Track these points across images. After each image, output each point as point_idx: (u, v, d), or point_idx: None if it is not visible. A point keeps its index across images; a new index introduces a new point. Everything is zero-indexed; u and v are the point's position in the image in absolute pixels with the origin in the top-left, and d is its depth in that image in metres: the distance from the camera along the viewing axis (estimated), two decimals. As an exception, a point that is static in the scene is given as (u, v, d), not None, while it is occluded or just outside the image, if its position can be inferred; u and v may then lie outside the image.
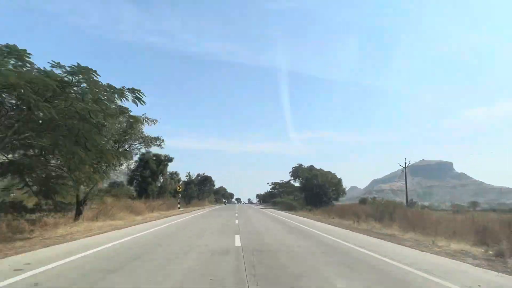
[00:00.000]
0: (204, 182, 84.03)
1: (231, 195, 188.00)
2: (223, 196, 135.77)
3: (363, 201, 49.66)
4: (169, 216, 28.88)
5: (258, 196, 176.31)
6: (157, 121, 26.00)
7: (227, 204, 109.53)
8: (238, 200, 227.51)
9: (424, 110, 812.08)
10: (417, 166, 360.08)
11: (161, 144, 29.85)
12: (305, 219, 28.60)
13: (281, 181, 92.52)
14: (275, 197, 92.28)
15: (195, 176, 77.72)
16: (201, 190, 77.29)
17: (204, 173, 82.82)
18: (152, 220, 23.55)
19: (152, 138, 28.70)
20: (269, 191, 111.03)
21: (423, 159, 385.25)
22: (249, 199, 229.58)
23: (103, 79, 11.04)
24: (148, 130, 44.53)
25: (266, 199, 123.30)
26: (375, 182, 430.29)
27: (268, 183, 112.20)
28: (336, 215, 28.69)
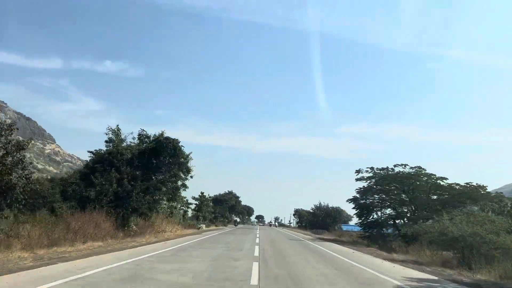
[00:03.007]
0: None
1: (248, 210, 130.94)
2: (234, 211, 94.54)
3: None
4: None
5: (299, 213, 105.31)
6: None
7: (239, 227, 74.67)
8: (260, 218, 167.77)
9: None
10: None
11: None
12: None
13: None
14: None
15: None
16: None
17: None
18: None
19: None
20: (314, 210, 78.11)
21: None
22: (276, 219, 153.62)
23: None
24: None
25: (311, 222, 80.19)
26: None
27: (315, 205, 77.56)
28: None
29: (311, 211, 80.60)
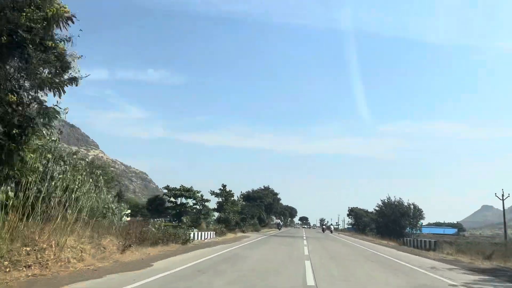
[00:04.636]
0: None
1: (290, 211, 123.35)
2: (272, 211, 79.46)
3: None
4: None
5: (354, 213, 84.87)
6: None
7: (282, 229, 67.19)
8: (304, 220, 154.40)
9: None
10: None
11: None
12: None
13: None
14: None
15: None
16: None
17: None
18: None
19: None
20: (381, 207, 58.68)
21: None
22: (322, 221, 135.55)
23: None
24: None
25: (378, 224, 61.51)
26: None
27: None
28: None
29: (374, 210, 61.12)
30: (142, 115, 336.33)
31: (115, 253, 13.22)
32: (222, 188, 49.83)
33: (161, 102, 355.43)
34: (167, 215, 49.62)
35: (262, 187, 69.92)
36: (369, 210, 79.36)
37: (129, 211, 59.27)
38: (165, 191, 46.71)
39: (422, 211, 52.57)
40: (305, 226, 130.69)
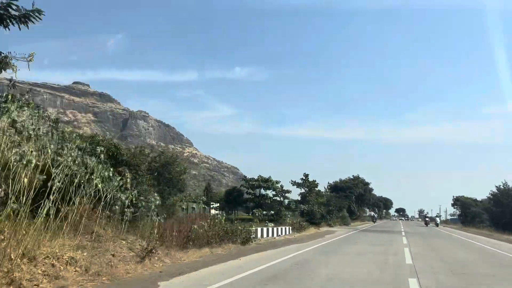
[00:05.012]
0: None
1: (385, 203, 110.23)
2: (364, 203, 70.40)
3: None
4: None
5: (461, 203, 71.82)
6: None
7: (377, 222, 60.53)
8: (401, 212, 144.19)
9: None
10: None
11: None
12: None
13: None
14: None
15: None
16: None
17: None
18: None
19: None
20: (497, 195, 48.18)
21: None
22: (421, 212, 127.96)
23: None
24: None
25: (493, 214, 50.84)
26: None
27: None
28: None
29: (488, 198, 50.51)
30: (231, 112, 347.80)
31: (129, 262, 9.66)
32: (304, 178, 45.15)
33: (248, 98, 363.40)
34: (246, 207, 46.84)
35: (351, 177, 63.11)
36: (477, 199, 67.80)
37: (217, 204, 58.81)
38: (243, 182, 43.74)
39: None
40: (402, 219, 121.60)
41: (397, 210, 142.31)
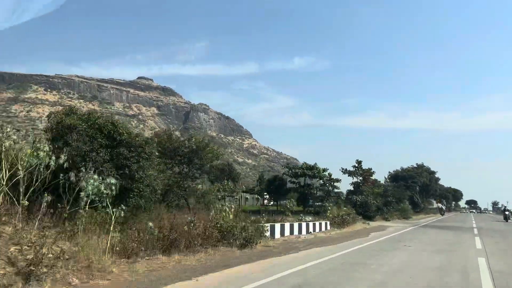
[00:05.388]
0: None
1: (454, 194, 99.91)
2: (429, 194, 63.58)
3: None
4: None
5: None
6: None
7: (445, 215, 53.66)
8: (473, 204, 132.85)
9: None
10: None
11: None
12: None
13: None
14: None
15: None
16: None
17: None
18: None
19: None
20: None
21: None
22: (495, 204, 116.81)
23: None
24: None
25: None
26: None
27: None
28: None
29: None
30: (290, 103, 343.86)
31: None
32: (356, 165, 39.96)
33: (307, 88, 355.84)
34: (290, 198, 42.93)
35: (415, 165, 55.55)
36: None
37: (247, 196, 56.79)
38: (286, 169, 39.83)
39: None
40: (474, 211, 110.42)
41: (468, 202, 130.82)
